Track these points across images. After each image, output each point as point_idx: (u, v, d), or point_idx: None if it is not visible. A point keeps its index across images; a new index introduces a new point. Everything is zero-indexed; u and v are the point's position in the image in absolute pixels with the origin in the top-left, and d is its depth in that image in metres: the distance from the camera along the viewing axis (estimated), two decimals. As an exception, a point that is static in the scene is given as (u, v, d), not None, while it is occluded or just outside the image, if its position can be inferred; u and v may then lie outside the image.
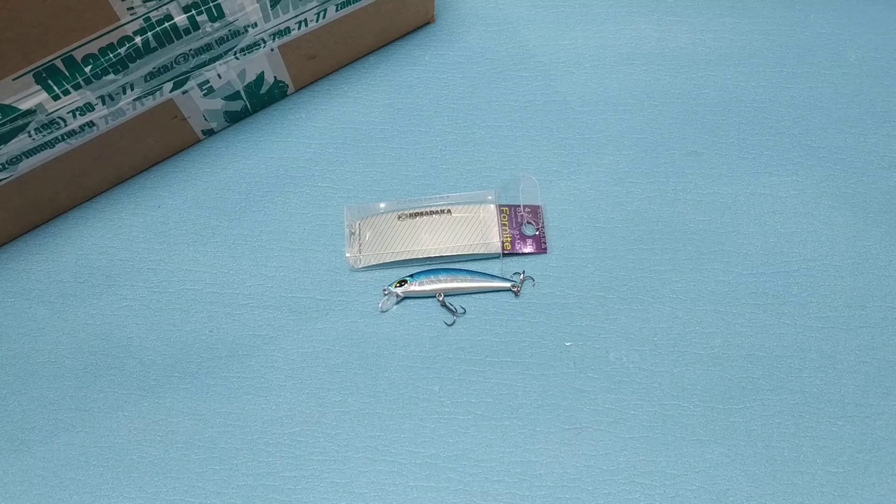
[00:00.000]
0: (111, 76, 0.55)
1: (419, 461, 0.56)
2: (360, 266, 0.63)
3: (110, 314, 0.62)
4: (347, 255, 0.63)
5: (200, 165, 0.68)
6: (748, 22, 0.74)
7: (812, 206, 0.65)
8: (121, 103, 0.58)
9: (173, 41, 0.56)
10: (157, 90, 0.59)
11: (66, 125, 0.56)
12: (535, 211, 0.65)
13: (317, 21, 0.64)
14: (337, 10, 0.64)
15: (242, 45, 0.61)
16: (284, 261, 0.64)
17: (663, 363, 0.59)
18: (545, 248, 0.63)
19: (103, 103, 0.57)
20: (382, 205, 0.65)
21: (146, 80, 0.57)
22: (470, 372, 0.59)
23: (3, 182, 0.58)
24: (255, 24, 0.59)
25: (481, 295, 0.62)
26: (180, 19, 0.54)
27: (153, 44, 0.55)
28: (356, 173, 0.68)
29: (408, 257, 0.63)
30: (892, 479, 0.54)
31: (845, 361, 0.58)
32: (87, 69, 0.53)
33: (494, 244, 0.63)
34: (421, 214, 0.64)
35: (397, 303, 0.62)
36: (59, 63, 0.51)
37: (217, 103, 0.66)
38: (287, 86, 0.70)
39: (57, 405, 0.59)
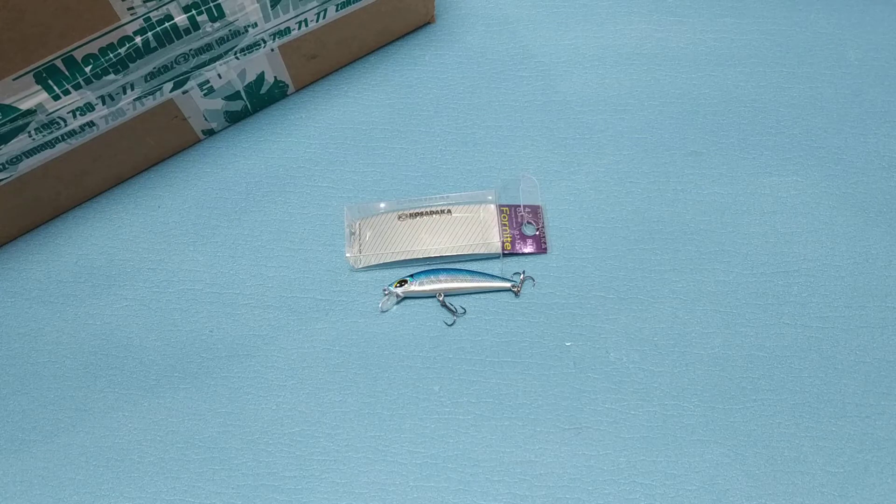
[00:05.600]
0: (111, 76, 0.55)
1: (419, 461, 0.56)
2: (361, 266, 0.63)
3: (110, 314, 0.62)
4: (347, 255, 0.63)
5: (200, 165, 0.68)
6: (748, 22, 0.74)
7: (812, 206, 0.65)
8: (121, 103, 0.58)
9: (173, 41, 0.56)
10: (157, 90, 0.59)
11: (66, 125, 0.56)
12: (535, 211, 0.65)
13: (317, 21, 0.64)
14: (337, 11, 0.64)
15: (243, 45, 0.61)
16: (284, 261, 0.64)
17: (663, 363, 0.59)
18: (545, 248, 0.63)
19: (103, 103, 0.57)
20: (382, 205, 0.65)
21: (146, 80, 0.57)
22: (470, 372, 0.59)
23: (3, 182, 0.58)
24: (256, 24, 0.59)
25: (481, 295, 0.62)
26: (180, 19, 0.54)
27: (153, 44, 0.55)
28: (356, 173, 0.68)
29: (408, 257, 0.63)
30: (892, 479, 0.54)
31: (845, 361, 0.58)
32: (88, 69, 0.53)
33: (494, 244, 0.63)
34: (421, 214, 0.64)
35: (397, 303, 0.62)
36: (59, 63, 0.51)
37: (217, 103, 0.66)
38: (287, 86, 0.70)
39: (57, 405, 0.59)
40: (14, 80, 0.50)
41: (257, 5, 0.58)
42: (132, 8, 0.51)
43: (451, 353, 0.60)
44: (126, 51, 0.54)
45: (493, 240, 0.63)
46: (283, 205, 0.66)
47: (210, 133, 0.70)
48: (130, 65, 0.55)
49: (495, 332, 0.60)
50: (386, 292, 0.61)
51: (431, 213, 0.64)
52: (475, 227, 0.64)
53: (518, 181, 0.66)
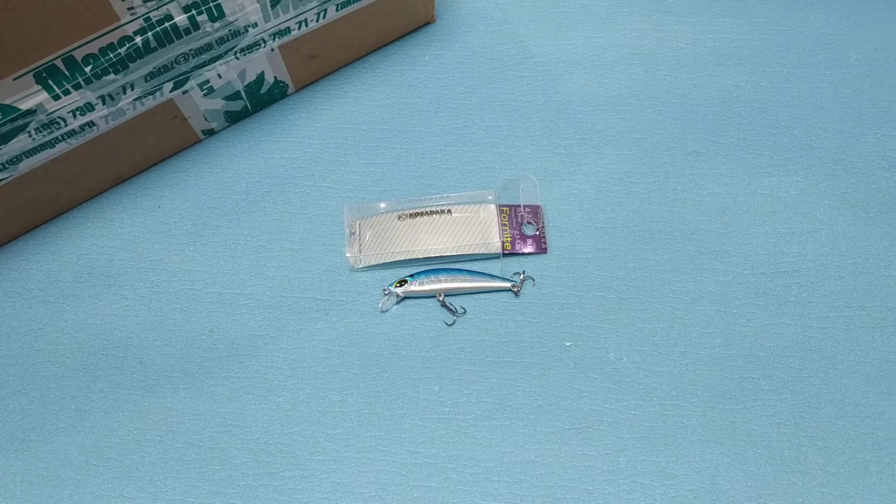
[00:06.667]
0: (111, 76, 0.55)
1: (419, 461, 0.56)
2: (361, 266, 0.63)
3: (110, 314, 0.62)
4: (347, 255, 0.63)
5: (200, 165, 0.68)
6: (748, 22, 0.74)
7: (812, 206, 0.65)
8: (121, 103, 0.58)
9: (173, 41, 0.56)
10: (157, 90, 0.59)
11: (66, 125, 0.56)
12: (535, 211, 0.65)
13: (317, 21, 0.64)
14: (337, 10, 0.64)
15: (243, 45, 0.61)
16: (284, 261, 0.64)
17: (663, 363, 0.59)
18: (545, 248, 0.63)
19: (103, 103, 0.57)
20: (382, 205, 0.65)
21: (146, 80, 0.57)
22: (470, 372, 0.59)
23: (3, 182, 0.58)
24: (256, 24, 0.59)
25: (481, 295, 0.62)
26: (180, 19, 0.54)
27: (153, 44, 0.55)
28: (356, 173, 0.68)
29: (408, 257, 0.63)
30: (892, 479, 0.54)
31: (845, 361, 0.58)
32: (88, 69, 0.53)
33: (494, 244, 0.63)
34: (421, 214, 0.64)
35: (397, 303, 0.62)
36: (59, 63, 0.51)
37: (217, 103, 0.66)
38: (287, 86, 0.70)
39: (57, 405, 0.59)
40: (14, 80, 0.50)
41: (257, 5, 0.58)
42: (132, 8, 0.51)
43: (451, 353, 0.60)
44: (126, 51, 0.54)
45: (493, 240, 0.63)
46: (283, 205, 0.66)
47: (210, 133, 0.70)
48: (130, 65, 0.55)
49: (495, 332, 0.60)
50: (386, 292, 0.61)
51: (431, 213, 0.64)
52: (475, 227, 0.64)
53: (518, 181, 0.66)
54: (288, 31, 0.63)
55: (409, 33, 0.75)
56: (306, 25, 0.64)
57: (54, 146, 0.57)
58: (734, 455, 0.55)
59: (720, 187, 0.66)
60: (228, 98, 0.66)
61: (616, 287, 0.62)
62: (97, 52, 0.52)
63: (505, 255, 0.63)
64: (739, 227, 0.64)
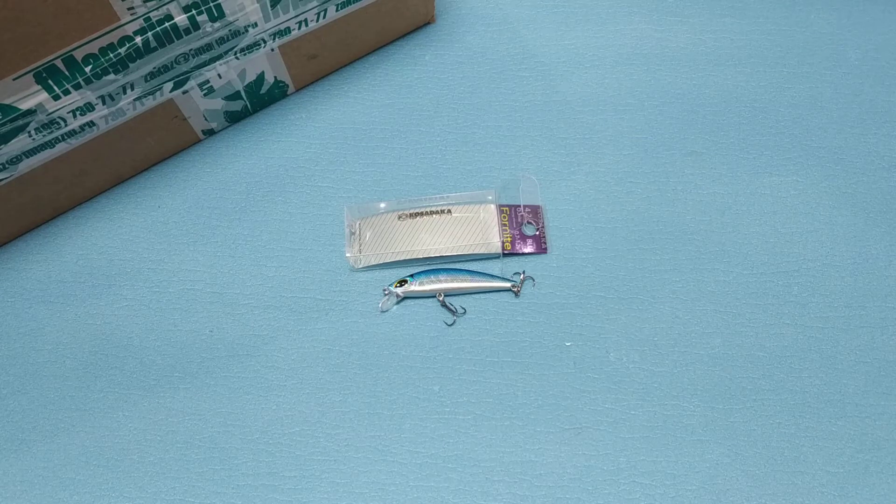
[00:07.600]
0: (111, 76, 0.55)
1: (419, 461, 0.56)
2: (361, 266, 0.63)
3: (110, 314, 0.62)
4: (347, 255, 0.63)
5: (200, 165, 0.68)
6: (748, 22, 0.74)
7: (812, 206, 0.65)
8: (121, 103, 0.58)
9: (173, 41, 0.56)
10: (157, 90, 0.59)
11: (66, 125, 0.56)
12: (535, 211, 0.65)
13: (317, 21, 0.64)
14: (337, 10, 0.64)
15: (243, 45, 0.61)
16: (284, 261, 0.64)
17: (663, 363, 0.59)
18: (545, 248, 0.63)
19: (103, 103, 0.57)
20: (382, 205, 0.65)
21: (146, 80, 0.57)
22: (470, 372, 0.59)
23: (3, 182, 0.58)
24: (256, 24, 0.59)
25: (481, 295, 0.62)
26: (180, 19, 0.54)
27: (153, 44, 0.55)
28: (356, 173, 0.68)
29: (408, 257, 0.63)
30: (892, 479, 0.54)
31: (845, 362, 0.58)
32: (88, 69, 0.53)
33: (494, 244, 0.63)
34: (421, 214, 0.64)
35: (397, 303, 0.62)
36: (59, 63, 0.51)
37: (217, 103, 0.66)
38: (287, 86, 0.70)
39: (57, 405, 0.59)
40: (14, 80, 0.50)
41: (257, 5, 0.58)
42: (132, 8, 0.51)
43: (451, 353, 0.60)
44: (126, 51, 0.54)
45: (493, 240, 0.63)
46: (283, 205, 0.66)
47: (210, 133, 0.70)
48: (130, 65, 0.55)
49: (495, 332, 0.60)
50: (386, 292, 0.61)
51: (431, 213, 0.64)
52: (475, 227, 0.64)
53: (518, 181, 0.66)
54: (288, 31, 0.63)
55: (409, 33, 0.75)
56: (306, 25, 0.64)
57: (54, 146, 0.57)
58: (734, 455, 0.55)
59: (720, 187, 0.66)
60: (228, 98, 0.66)
61: (616, 287, 0.62)
62: (97, 52, 0.52)
63: (505, 255, 0.63)
64: (739, 227, 0.64)
